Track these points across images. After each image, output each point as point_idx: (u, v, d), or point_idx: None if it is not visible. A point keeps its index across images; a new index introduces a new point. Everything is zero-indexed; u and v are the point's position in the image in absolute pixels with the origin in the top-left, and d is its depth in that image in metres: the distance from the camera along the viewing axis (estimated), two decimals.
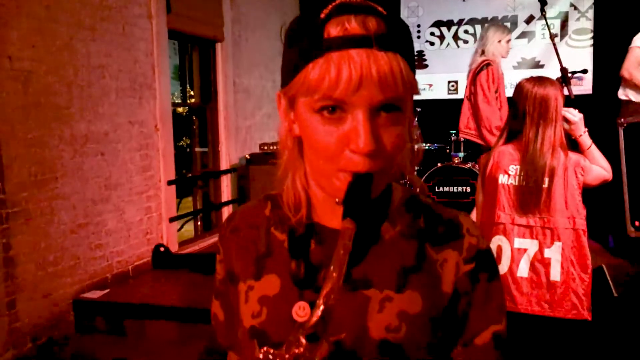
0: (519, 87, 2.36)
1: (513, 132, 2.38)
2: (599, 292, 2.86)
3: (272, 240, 0.87)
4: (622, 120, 3.90)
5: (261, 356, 0.67)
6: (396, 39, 0.71)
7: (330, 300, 0.65)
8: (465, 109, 4.59)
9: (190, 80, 5.83)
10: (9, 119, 3.20)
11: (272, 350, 0.66)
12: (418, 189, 0.90)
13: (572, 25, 6.51)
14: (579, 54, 6.43)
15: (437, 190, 5.41)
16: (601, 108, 5.75)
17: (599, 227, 4.56)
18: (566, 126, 2.32)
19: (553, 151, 2.23)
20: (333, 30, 0.70)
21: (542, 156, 2.24)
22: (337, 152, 0.73)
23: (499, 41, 4.33)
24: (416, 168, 5.73)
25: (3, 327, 3.16)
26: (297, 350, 0.65)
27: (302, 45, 0.72)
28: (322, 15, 0.71)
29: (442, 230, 0.84)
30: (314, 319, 0.64)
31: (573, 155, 2.28)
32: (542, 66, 6.59)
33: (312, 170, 0.80)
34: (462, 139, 5.74)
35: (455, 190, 5.39)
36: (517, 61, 6.63)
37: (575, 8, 6.49)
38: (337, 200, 0.74)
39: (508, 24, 6.70)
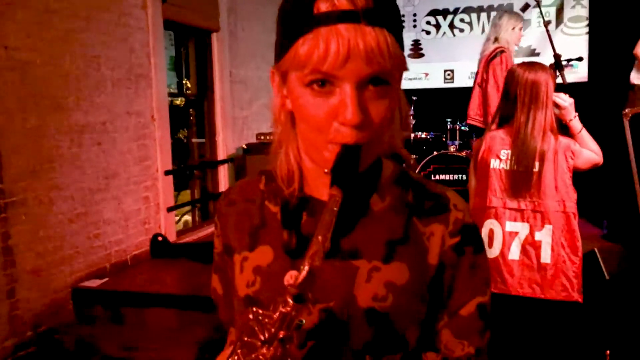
0: (510, 72, 2.39)
1: (505, 117, 2.41)
2: (591, 275, 2.90)
3: (265, 213, 0.90)
4: (627, 111, 3.90)
5: (251, 316, 0.69)
6: (383, 15, 0.73)
7: (315, 262, 0.68)
8: (476, 96, 4.51)
9: (186, 71, 5.84)
10: (7, 109, 3.22)
11: (261, 311, 0.69)
12: (410, 165, 0.93)
13: (568, 12, 6.53)
14: (574, 41, 6.45)
15: (433, 178, 5.45)
16: (596, 95, 5.80)
17: (597, 212, 4.61)
18: (556, 111, 2.35)
19: (543, 135, 2.26)
20: (322, 6, 0.72)
21: (533, 140, 2.27)
22: (327, 124, 0.75)
23: (513, 28, 4.26)
24: (413, 156, 5.77)
25: (3, 315, 3.20)
26: (284, 310, 0.67)
27: (293, 21, 0.75)
28: None
29: (429, 204, 0.86)
30: (300, 280, 0.67)
31: (563, 139, 2.31)
32: (537, 54, 6.60)
33: (304, 143, 0.82)
34: (458, 127, 5.77)
35: (451, 178, 5.43)
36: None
37: None
38: (325, 170, 0.76)
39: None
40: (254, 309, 0.70)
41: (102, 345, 3.34)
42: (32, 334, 3.38)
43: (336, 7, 0.71)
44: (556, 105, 2.34)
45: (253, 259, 0.89)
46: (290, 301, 0.67)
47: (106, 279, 3.87)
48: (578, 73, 6.26)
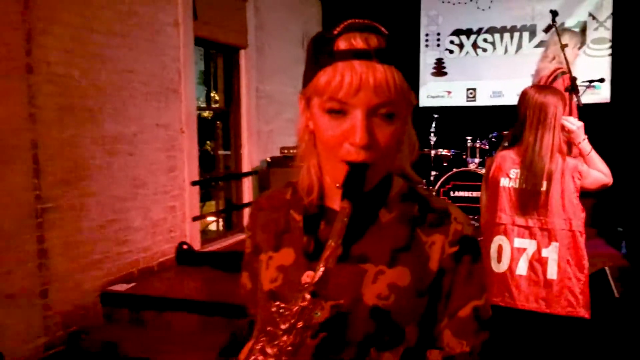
0: (522, 94, 2.49)
1: (515, 137, 2.50)
2: (601, 292, 2.96)
3: (290, 220, 1.04)
4: None
5: (274, 309, 0.83)
6: (393, 54, 0.88)
7: (328, 264, 0.82)
8: None
9: (214, 85, 6.02)
10: (45, 119, 3.40)
11: (282, 305, 0.83)
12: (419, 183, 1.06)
13: (591, 34, 6.56)
14: (597, 63, 6.47)
15: (452, 194, 5.51)
16: (619, 116, 5.85)
17: (618, 232, 4.63)
18: (566, 133, 2.43)
19: (551, 156, 2.34)
20: (341, 44, 0.87)
21: (541, 160, 2.35)
22: (339, 144, 0.89)
23: (572, 47, 4.05)
24: (433, 173, 5.82)
25: (36, 314, 3.36)
26: (302, 304, 0.81)
27: (317, 55, 0.90)
28: (335, 32, 0.89)
29: (432, 217, 0.98)
30: (316, 279, 0.81)
31: (571, 160, 2.39)
32: None
33: (322, 159, 0.96)
34: (478, 144, 5.82)
35: (470, 195, 5.50)
36: (535, 70, 6.68)
37: (594, 18, 6.54)
38: (337, 185, 0.90)
39: (527, 33, 6.80)
40: (277, 303, 0.83)
41: (127, 347, 3.47)
42: (62, 333, 3.53)
43: (353, 46, 0.87)
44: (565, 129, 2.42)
45: (277, 258, 1.02)
46: (308, 296, 0.81)
47: (133, 284, 4.02)
48: (600, 94, 6.29)
